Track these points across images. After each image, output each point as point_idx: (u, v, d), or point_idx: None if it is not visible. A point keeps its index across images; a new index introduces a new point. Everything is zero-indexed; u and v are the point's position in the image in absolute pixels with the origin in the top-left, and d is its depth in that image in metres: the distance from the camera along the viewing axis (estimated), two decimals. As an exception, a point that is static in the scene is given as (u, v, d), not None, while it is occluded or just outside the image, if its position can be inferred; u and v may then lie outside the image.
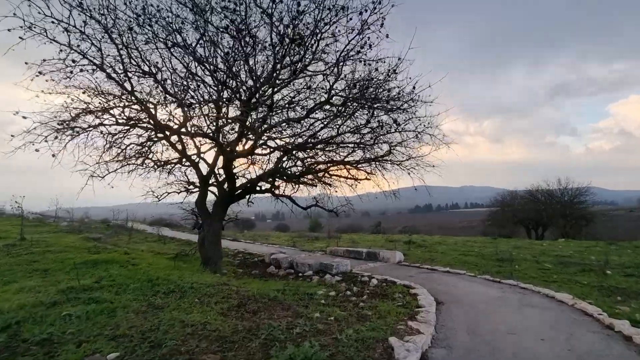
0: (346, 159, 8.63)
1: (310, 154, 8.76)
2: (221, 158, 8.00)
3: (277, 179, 8.66)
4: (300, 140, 7.89)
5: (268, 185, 9.12)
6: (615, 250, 15.21)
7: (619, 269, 11.25)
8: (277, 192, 9.11)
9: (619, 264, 11.86)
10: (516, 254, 15.23)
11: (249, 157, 8.06)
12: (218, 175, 8.86)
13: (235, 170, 8.60)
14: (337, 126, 7.83)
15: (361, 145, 8.32)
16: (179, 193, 9.67)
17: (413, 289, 6.90)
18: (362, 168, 8.79)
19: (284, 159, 8.20)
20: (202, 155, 8.86)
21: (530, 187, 30.88)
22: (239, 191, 8.46)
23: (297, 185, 9.39)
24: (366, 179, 8.96)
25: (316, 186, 9.25)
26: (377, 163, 8.56)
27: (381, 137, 8.10)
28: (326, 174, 9.16)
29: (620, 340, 4.42)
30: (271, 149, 8.00)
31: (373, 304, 5.70)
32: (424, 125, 7.90)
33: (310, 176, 8.78)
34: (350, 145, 8.43)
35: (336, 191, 9.32)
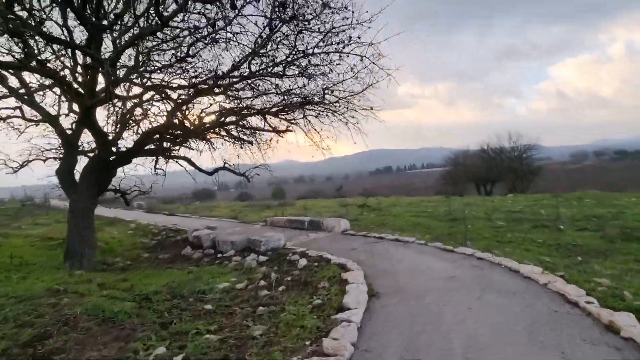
0: (265, 107, 6.64)
1: (217, 99, 6.65)
2: (79, 109, 5.63)
3: (169, 136, 6.51)
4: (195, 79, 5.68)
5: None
6: (561, 202, 15.14)
7: (570, 222, 10.82)
8: (175, 152, 6.98)
9: (569, 217, 11.47)
10: (468, 212, 14.65)
11: (113, 102, 5.75)
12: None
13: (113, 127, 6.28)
14: (250, 59, 5.69)
15: (284, 89, 6.32)
16: (44, 161, 7.16)
17: (347, 271, 5.40)
18: (285, 117, 6.86)
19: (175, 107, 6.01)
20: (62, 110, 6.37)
21: (482, 145, 31.11)
22: (122, 155, 6.19)
23: (202, 143, 7.32)
24: (287, 130, 7.09)
25: (232, 143, 7.27)
26: (307, 110, 6.67)
27: (312, 74, 6.15)
28: (239, 126, 7.15)
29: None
30: (143, 88, 5.64)
31: (282, 304, 4.08)
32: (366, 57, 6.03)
33: (216, 130, 6.74)
34: (270, 85, 6.40)
35: (251, 147, 7.37)
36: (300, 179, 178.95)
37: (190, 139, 7.13)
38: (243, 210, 19.76)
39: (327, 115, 7.13)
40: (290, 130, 7.22)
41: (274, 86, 6.32)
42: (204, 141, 7.44)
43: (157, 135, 6.04)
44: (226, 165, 7.73)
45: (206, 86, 5.55)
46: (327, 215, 16.12)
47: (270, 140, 7.81)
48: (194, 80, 5.93)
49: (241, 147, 7.71)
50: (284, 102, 6.57)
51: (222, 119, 6.79)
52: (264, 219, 13.65)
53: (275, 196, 41.37)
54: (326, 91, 6.88)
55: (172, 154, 7.29)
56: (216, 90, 6.32)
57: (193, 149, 7.77)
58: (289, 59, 5.40)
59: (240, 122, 7.05)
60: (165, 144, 6.80)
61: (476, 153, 32.76)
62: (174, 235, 10.89)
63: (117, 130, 6.03)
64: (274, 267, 6.28)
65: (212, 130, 7.04)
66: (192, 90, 5.98)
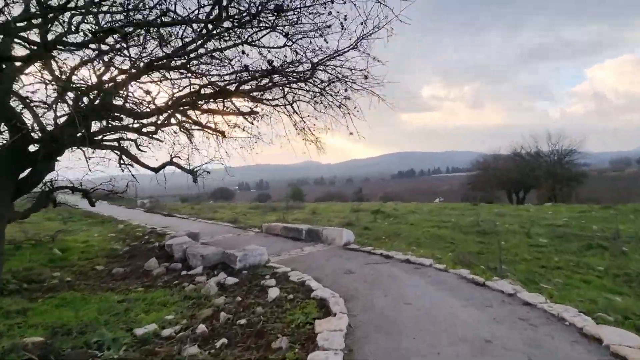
0: (224, 80, 5.10)
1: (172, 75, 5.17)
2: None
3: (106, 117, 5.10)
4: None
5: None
6: (615, 216, 12.64)
7: (636, 242, 8.55)
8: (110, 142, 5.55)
9: (632, 236, 9.17)
10: (501, 223, 12.49)
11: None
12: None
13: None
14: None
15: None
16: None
17: (326, 315, 3.73)
18: (257, 96, 5.28)
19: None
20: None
21: (515, 147, 28.28)
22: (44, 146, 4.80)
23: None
24: (253, 112, 5.50)
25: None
26: (291, 89, 5.08)
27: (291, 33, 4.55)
28: (195, 109, 5.66)
29: None
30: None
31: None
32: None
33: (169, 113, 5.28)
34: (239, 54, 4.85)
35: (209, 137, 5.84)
36: (320, 180, 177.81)
37: (134, 123, 5.69)
38: (248, 212, 18.43)
39: (315, 97, 5.51)
40: (256, 112, 5.68)
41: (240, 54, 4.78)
42: (151, 130, 6.02)
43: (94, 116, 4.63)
44: (174, 160, 6.29)
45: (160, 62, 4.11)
46: (336, 221, 14.43)
47: (234, 127, 6.31)
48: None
49: (190, 137, 6.24)
50: (247, 76, 4.99)
51: (178, 99, 5.32)
52: (266, 223, 12.18)
53: (293, 197, 40.18)
54: (317, 66, 5.24)
55: (104, 143, 5.90)
56: (173, 63, 4.86)
57: (132, 140, 6.36)
58: (253, 12, 3.82)
59: (198, 104, 5.57)
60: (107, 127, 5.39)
61: (508, 157, 29.88)
62: (155, 240, 9.59)
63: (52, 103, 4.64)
64: (237, 296, 4.71)
65: (164, 114, 5.61)
66: (142, 63, 4.55)
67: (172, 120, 7.03)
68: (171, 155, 6.44)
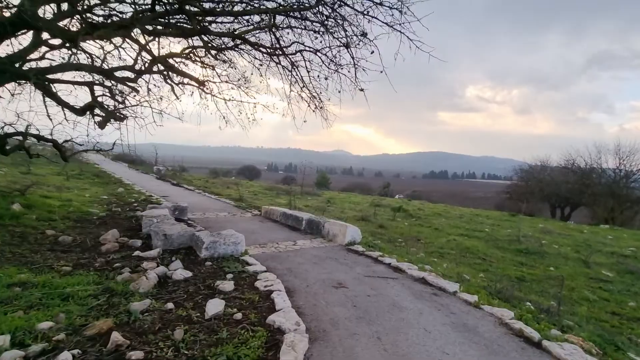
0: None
1: None
2: None
3: None
4: None
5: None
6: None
7: None
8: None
9: None
10: (548, 243, 10.32)
11: None
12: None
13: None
14: None
15: None
16: None
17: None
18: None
19: None
20: None
21: (570, 158, 24.87)
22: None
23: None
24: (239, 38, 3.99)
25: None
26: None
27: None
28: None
29: None
30: None
31: None
32: None
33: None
34: None
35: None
36: (349, 170, 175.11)
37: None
38: (260, 193, 17.28)
39: (318, 31, 3.94)
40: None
41: None
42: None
43: None
44: (96, 101, 5.00)
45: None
46: (350, 214, 12.85)
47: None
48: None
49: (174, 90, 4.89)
50: None
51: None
52: (267, 206, 10.88)
53: (319, 184, 38.95)
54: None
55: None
56: None
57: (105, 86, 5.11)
58: None
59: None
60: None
61: (558, 168, 26.49)
62: (142, 209, 8.55)
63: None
64: (170, 301, 3.36)
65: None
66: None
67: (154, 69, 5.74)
68: (94, 96, 5.17)
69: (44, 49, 5.47)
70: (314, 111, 5.76)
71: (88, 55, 5.39)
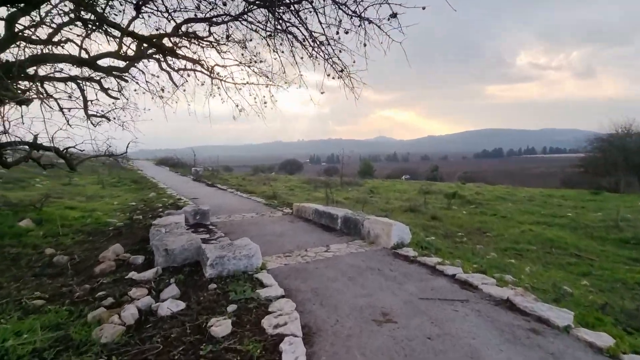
0: None
1: None
2: None
3: None
4: None
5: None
6: None
7: None
8: None
9: None
10: (661, 228, 7.94)
11: None
12: None
13: None
14: None
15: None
16: None
17: None
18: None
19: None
20: None
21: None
22: None
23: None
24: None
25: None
26: None
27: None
28: None
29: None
30: None
31: None
32: None
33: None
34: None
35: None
36: (393, 156, 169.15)
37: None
38: (297, 187, 16.31)
39: None
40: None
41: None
42: None
43: None
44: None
45: None
46: (396, 205, 11.32)
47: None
48: None
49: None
50: None
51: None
52: (299, 203, 9.82)
53: (363, 172, 37.47)
54: None
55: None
56: None
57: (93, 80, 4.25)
58: None
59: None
60: None
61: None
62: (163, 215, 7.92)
63: None
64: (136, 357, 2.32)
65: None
66: None
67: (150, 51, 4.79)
68: (84, 94, 4.25)
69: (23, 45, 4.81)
70: (333, 78, 4.46)
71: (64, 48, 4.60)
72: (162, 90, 5.81)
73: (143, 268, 4.32)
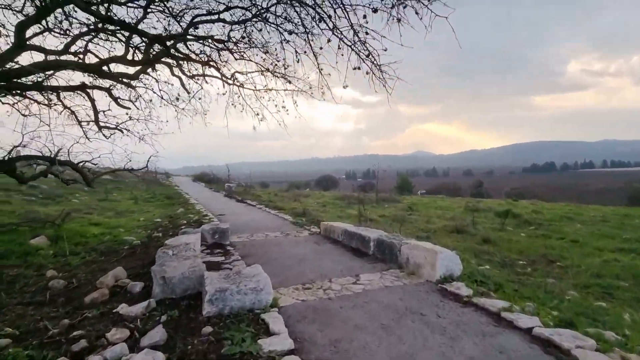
0: None
1: None
2: None
3: None
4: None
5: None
6: None
7: None
8: None
9: None
10: None
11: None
12: None
13: None
14: None
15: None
16: None
17: None
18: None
19: None
20: None
21: None
22: None
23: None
24: None
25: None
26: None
27: None
28: None
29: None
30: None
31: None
32: None
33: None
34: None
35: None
36: (432, 172, 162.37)
37: None
38: (329, 204, 15.50)
39: None
40: None
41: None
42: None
43: None
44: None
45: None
46: (439, 224, 10.06)
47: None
48: None
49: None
50: None
51: None
52: (327, 222, 9.00)
53: (400, 188, 35.92)
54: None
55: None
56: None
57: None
58: None
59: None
60: None
61: None
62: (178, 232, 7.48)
63: None
64: None
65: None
66: None
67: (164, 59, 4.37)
68: (93, 104, 3.84)
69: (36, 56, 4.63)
70: (358, 68, 3.69)
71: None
72: (177, 99, 5.42)
73: (139, 298, 3.70)
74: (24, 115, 5.09)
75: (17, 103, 4.96)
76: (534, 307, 3.36)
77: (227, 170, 21.87)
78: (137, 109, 5.46)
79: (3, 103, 4.90)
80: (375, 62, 3.83)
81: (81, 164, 5.51)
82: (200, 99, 5.80)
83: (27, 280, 4.29)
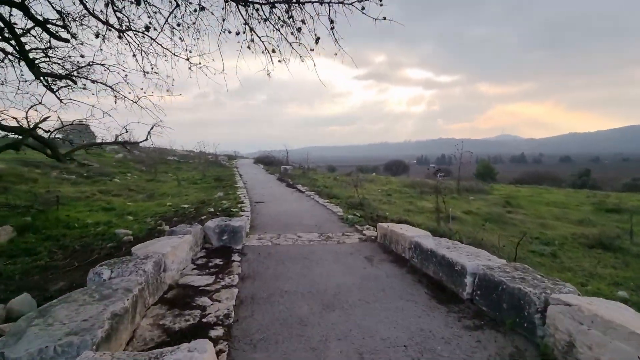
0: None
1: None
2: None
3: None
4: None
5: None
6: None
7: None
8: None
9: None
10: None
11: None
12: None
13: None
14: None
15: None
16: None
17: None
18: None
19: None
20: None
21: None
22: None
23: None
24: None
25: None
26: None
27: None
28: None
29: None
30: None
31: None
32: None
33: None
34: None
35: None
36: (520, 157, 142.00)
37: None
38: (395, 193, 12.72)
39: None
40: None
41: None
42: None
43: None
44: None
45: None
46: (563, 230, 6.71)
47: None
48: None
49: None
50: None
51: None
52: (379, 224, 6.51)
53: (480, 175, 30.92)
54: None
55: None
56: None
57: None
58: None
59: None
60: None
61: None
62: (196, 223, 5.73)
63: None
64: None
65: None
66: None
67: None
68: None
69: None
70: None
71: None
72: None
73: None
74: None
75: None
76: None
77: (286, 153, 20.44)
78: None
79: None
80: None
81: (54, 136, 4.03)
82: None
83: None
